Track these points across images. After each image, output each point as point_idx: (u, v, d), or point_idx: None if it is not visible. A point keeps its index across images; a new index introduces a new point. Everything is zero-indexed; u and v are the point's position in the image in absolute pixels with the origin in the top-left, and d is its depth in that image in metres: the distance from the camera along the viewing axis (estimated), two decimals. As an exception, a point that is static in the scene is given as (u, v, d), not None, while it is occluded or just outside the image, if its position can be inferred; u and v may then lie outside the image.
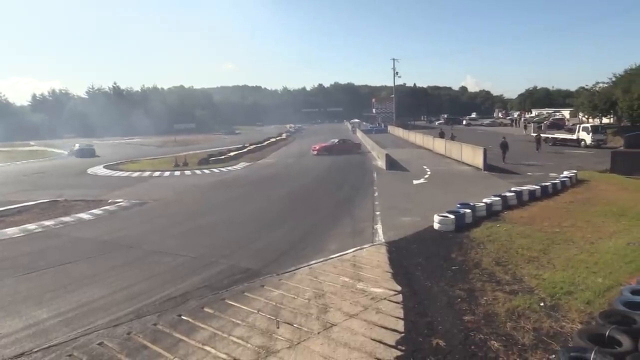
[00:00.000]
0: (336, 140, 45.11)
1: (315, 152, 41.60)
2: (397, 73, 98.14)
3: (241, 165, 37.30)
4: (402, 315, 8.15)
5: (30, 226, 17.03)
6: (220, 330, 7.83)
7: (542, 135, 43.63)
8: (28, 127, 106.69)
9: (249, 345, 7.27)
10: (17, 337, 7.98)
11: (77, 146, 60.82)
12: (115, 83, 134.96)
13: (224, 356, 6.98)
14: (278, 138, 68.99)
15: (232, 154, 44.36)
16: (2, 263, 12.72)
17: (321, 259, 11.65)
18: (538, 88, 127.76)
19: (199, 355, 7.06)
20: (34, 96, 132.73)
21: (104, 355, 7.19)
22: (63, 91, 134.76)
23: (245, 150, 48.63)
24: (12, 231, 16.45)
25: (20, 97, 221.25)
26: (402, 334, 7.44)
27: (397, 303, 8.72)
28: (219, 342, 7.44)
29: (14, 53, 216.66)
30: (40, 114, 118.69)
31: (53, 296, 9.85)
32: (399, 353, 6.88)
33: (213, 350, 7.15)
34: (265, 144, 58.47)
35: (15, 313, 9.02)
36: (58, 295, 9.88)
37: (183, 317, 8.48)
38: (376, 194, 21.00)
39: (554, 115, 76.38)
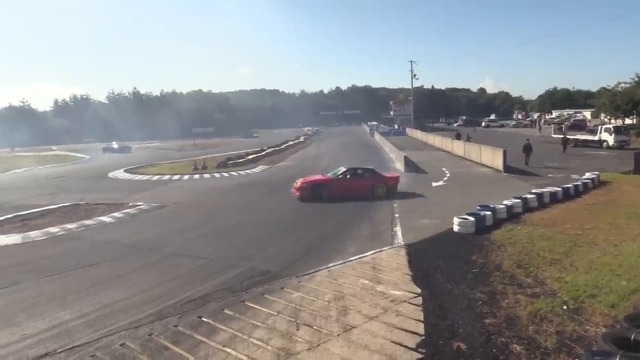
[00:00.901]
0: (342, 171, 22.18)
1: (297, 193, 21.28)
2: (414, 75, 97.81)
3: (260, 168, 37.48)
4: (422, 318, 8.09)
5: (53, 229, 17.30)
6: (241, 332, 7.86)
7: (568, 137, 42.79)
8: (50, 132, 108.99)
9: (269, 347, 7.28)
10: (41, 337, 8.10)
11: (114, 144, 68.97)
12: (135, 88, 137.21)
13: (244, 358, 7.00)
14: (296, 141, 69.18)
15: (250, 157, 44.62)
16: (26, 265, 12.94)
17: (340, 262, 11.63)
18: (558, 89, 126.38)
19: (219, 356, 7.10)
20: (55, 102, 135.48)
21: (126, 356, 7.26)
22: (84, 96, 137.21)
23: (263, 153, 48.88)
24: (35, 234, 16.73)
25: (42, 103, 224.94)
26: (423, 337, 7.39)
27: (417, 306, 8.66)
28: (239, 343, 7.47)
29: (37, 60, 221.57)
30: (61, 119, 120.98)
31: (76, 298, 9.98)
32: (420, 356, 6.83)
33: (233, 352, 7.18)
34: (283, 147, 58.71)
35: (39, 314, 9.16)
36: (80, 297, 10.01)
37: (203, 318, 8.53)
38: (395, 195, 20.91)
39: (575, 116, 75.39)
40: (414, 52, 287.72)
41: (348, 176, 21.68)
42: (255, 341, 7.51)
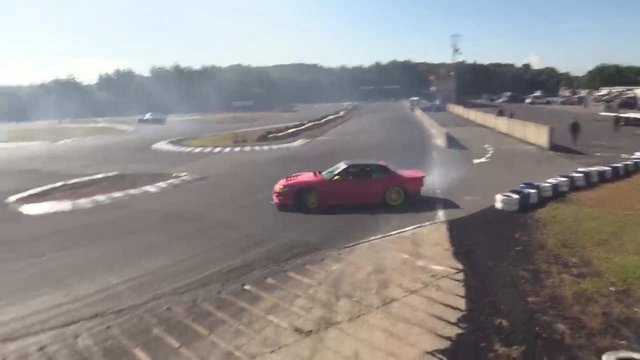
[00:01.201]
0: (341, 168, 15.60)
1: (277, 200, 15.09)
2: (457, 50, 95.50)
3: (299, 142, 37.49)
4: (463, 294, 8.06)
5: (100, 197, 17.85)
6: (282, 301, 8.03)
7: (621, 115, 40.76)
8: (95, 105, 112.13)
9: (310, 316, 7.41)
10: (91, 300, 8.47)
11: (148, 115, 70.48)
12: (176, 62, 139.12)
13: (285, 325, 7.16)
14: (335, 116, 68.67)
15: (290, 131, 44.57)
16: (75, 231, 13.51)
17: (380, 235, 11.64)
18: (608, 65, 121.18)
19: (261, 323, 7.27)
20: (100, 76, 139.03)
21: (172, 320, 7.52)
22: (127, 71, 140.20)
23: (302, 127, 48.73)
24: (83, 202, 17.30)
25: (88, 77, 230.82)
26: (464, 312, 7.37)
27: (458, 281, 8.62)
28: (281, 312, 7.64)
29: (82, 34, 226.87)
30: (106, 92, 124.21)
31: (123, 264, 10.35)
32: (461, 330, 6.83)
33: (275, 320, 7.35)
34: (322, 121, 58.33)
35: (89, 278, 9.56)
36: (127, 263, 10.37)
37: (246, 287, 8.72)
38: (436, 172, 20.58)
39: (626, 94, 72.19)
40: (456, 25, 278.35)
41: (350, 177, 15.27)
42: (296, 310, 7.66)
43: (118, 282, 9.29)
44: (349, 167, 15.52)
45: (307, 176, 16.00)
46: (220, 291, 8.55)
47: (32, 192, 19.50)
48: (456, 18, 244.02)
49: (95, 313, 7.88)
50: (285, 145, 35.81)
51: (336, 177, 15.19)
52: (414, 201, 15.06)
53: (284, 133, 42.70)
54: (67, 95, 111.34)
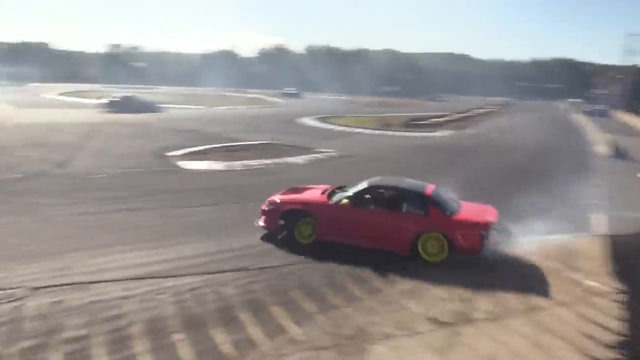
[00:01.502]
0: (358, 189, 10.00)
1: (263, 222, 10.32)
2: (633, 51, 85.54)
3: (443, 132, 36.53)
4: (621, 317, 7.22)
5: (251, 162, 19.10)
6: (419, 288, 7.90)
7: None
8: (252, 77, 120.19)
9: (447, 308, 7.20)
10: (237, 254, 9.20)
11: (288, 89, 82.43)
12: (328, 42, 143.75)
13: (421, 311, 7.05)
14: (483, 110, 65.77)
15: (434, 120, 43.71)
16: (227, 190, 14.73)
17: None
18: None
19: (396, 305, 7.26)
20: (259, 50, 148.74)
21: (311, 286, 7.84)
22: (283, 47, 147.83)
23: (448, 118, 47.45)
24: (235, 164, 18.68)
25: (249, 50, 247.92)
26: (621, 337, 6.61)
27: (616, 302, 7.75)
28: (417, 298, 7.53)
29: (249, 11, 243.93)
30: (263, 65, 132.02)
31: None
32: (616, 356, 6.14)
33: (411, 305, 7.27)
34: (469, 114, 56.27)
35: (237, 234, 10.41)
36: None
37: (381, 268, 8.71)
38: (593, 181, 18.72)
39: None
40: (632, 24, 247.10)
41: (368, 204, 9.90)
42: (432, 300, 7.49)
43: (258, 243, 9.89)
44: (369, 188, 10.11)
45: (311, 193, 10.90)
46: (356, 269, 8.64)
47: (192, 149, 21.47)
48: (632, 15, 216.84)
49: (240, 266, 8.45)
50: (428, 134, 35.21)
51: (344, 202, 9.87)
52: (472, 257, 9.25)
53: (428, 122, 41.96)
54: (229, 66, 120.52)
